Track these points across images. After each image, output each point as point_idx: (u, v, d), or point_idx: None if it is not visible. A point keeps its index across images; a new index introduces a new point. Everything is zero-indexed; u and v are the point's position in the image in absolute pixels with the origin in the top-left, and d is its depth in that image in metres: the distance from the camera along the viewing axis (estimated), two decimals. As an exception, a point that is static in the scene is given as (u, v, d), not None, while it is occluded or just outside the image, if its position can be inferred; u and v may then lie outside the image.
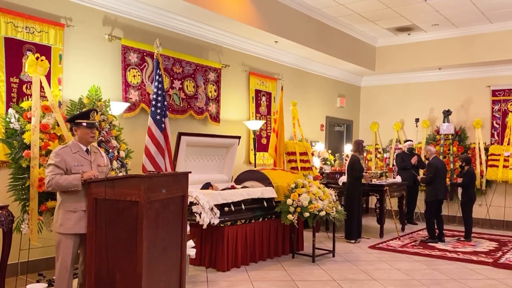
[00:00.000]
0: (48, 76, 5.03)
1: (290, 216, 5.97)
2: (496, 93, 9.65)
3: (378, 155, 10.87)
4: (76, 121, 3.82)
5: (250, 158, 8.11)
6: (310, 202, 6.00)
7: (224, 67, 7.59)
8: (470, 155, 9.18)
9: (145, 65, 6.34)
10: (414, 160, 9.14)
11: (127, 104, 5.82)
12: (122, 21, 6.09)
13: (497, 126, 9.65)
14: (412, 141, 9.70)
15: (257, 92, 8.35)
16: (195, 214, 5.24)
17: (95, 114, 3.91)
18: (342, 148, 10.58)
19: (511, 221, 9.34)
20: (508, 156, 9.08)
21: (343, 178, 7.94)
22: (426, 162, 8.19)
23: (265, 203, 6.12)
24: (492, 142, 9.61)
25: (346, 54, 9.43)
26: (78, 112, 4.56)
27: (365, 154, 10.50)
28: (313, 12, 8.33)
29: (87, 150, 3.86)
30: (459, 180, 8.01)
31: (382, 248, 7.05)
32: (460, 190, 8.33)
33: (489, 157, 9.38)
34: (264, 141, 8.45)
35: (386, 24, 9.17)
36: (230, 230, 5.59)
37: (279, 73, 8.76)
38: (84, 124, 3.79)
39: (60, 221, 3.69)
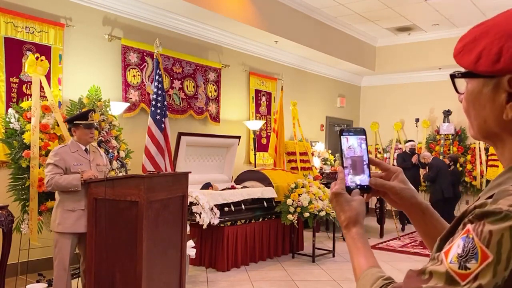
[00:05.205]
0: (48, 76, 5.03)
1: (290, 216, 5.97)
2: (496, 93, 9.64)
3: (378, 155, 10.87)
4: (74, 122, 3.84)
5: (250, 158, 8.10)
6: (310, 202, 5.99)
7: (224, 67, 7.59)
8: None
9: (145, 65, 6.34)
10: (414, 159, 9.13)
11: (127, 104, 5.82)
12: (122, 21, 6.09)
13: (497, 126, 9.64)
14: (414, 141, 9.64)
15: (257, 92, 8.34)
16: (195, 214, 5.24)
17: (93, 114, 3.92)
18: (342, 148, 10.55)
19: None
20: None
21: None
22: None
23: (265, 203, 6.11)
24: (492, 142, 9.62)
25: (346, 54, 9.43)
26: (76, 113, 4.57)
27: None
28: (313, 12, 8.33)
29: (86, 150, 3.87)
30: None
31: (382, 248, 7.05)
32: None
33: (489, 157, 9.38)
34: (264, 141, 8.45)
35: (386, 24, 9.17)
36: (230, 230, 5.59)
37: (279, 73, 8.75)
38: (82, 125, 3.81)
39: (58, 220, 3.70)
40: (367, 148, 1.03)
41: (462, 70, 0.79)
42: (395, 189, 1.00)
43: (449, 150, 9.76)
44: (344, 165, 1.01)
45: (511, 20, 0.75)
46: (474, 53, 0.76)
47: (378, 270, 0.86)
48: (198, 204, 5.25)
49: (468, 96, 0.79)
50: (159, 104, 5.69)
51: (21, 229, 4.30)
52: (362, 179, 1.01)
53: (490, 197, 0.68)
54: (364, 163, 1.02)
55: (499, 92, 0.73)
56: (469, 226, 0.66)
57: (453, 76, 0.81)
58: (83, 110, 4.77)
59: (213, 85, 7.43)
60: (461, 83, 0.81)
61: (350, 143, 1.02)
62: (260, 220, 6.07)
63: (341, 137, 1.01)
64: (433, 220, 1.00)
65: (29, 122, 4.33)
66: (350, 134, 1.02)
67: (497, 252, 0.62)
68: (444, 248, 0.69)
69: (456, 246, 0.66)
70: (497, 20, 0.77)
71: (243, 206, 5.82)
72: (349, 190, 0.99)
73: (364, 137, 1.03)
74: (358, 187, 1.00)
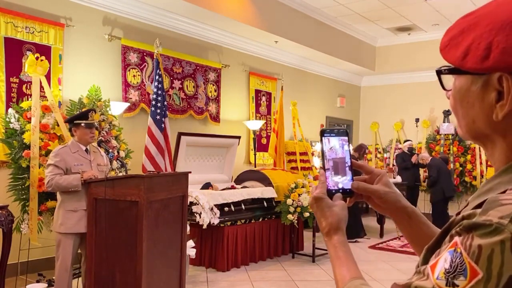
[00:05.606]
0: (48, 76, 5.03)
1: (290, 216, 5.97)
2: (496, 93, 9.65)
3: (378, 155, 10.87)
4: (74, 121, 3.84)
5: (250, 158, 8.10)
6: (310, 202, 5.99)
7: (224, 67, 7.59)
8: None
9: (145, 65, 6.34)
10: (414, 159, 9.14)
11: (127, 104, 5.82)
12: (122, 21, 6.09)
13: (497, 126, 9.65)
14: (411, 141, 9.68)
15: (257, 92, 8.34)
16: (195, 214, 5.24)
17: (94, 114, 3.93)
18: (342, 148, 10.56)
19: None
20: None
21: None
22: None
23: (265, 203, 6.12)
24: (492, 142, 9.63)
25: (346, 54, 9.43)
26: (77, 113, 4.57)
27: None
28: (313, 12, 8.33)
29: (86, 150, 3.88)
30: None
31: (382, 248, 7.05)
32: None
33: (489, 157, 9.39)
34: (264, 141, 8.45)
35: (386, 24, 9.17)
36: (230, 230, 5.59)
37: (279, 73, 8.76)
38: (83, 124, 3.81)
39: (60, 221, 3.70)
40: (350, 150, 0.98)
41: (450, 65, 0.73)
42: (378, 193, 0.94)
43: (449, 150, 9.77)
44: (326, 168, 0.95)
45: (502, 9, 0.66)
46: (461, 48, 0.69)
47: (361, 282, 0.81)
48: (198, 204, 5.25)
49: (455, 93, 0.74)
50: (159, 104, 5.70)
51: (21, 229, 4.30)
52: (345, 182, 0.95)
53: (479, 205, 0.63)
54: (346, 165, 0.96)
55: (489, 90, 0.67)
56: (456, 239, 0.60)
57: (439, 72, 0.75)
58: (83, 110, 4.78)
59: (213, 85, 7.43)
60: (449, 79, 0.76)
61: (332, 144, 0.97)
62: (260, 220, 6.07)
63: (323, 138, 0.96)
64: (419, 224, 0.94)
65: (29, 122, 4.33)
66: (332, 135, 0.97)
67: (487, 269, 0.56)
68: (430, 261, 0.64)
69: (443, 260, 0.61)
70: (486, 10, 0.69)
71: (243, 206, 5.82)
72: (330, 194, 0.94)
73: (346, 138, 0.97)
74: (341, 191, 0.95)
